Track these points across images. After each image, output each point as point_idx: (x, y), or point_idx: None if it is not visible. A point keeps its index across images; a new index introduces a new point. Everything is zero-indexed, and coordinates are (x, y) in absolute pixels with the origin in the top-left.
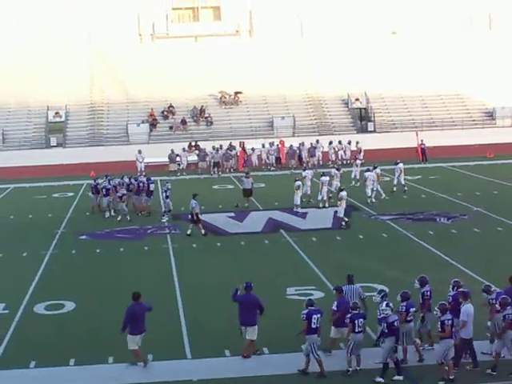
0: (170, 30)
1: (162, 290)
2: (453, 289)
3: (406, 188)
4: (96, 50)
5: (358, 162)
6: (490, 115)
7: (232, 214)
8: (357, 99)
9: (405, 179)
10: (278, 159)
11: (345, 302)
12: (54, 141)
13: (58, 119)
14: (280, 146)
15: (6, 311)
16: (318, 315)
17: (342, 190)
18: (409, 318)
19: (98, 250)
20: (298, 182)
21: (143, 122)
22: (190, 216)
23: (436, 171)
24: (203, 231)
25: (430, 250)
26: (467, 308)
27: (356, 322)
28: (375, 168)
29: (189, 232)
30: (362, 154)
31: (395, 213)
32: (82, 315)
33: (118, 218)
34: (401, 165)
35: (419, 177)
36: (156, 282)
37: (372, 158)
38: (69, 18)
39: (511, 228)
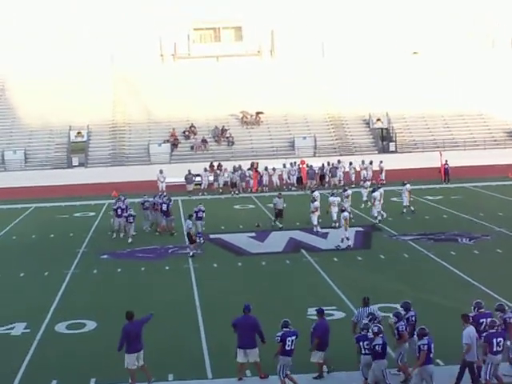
0: (192, 51)
1: (182, 310)
2: (474, 310)
3: (412, 208)
4: (118, 70)
5: (367, 183)
6: None
7: (253, 234)
8: (378, 119)
9: (411, 200)
10: (299, 179)
11: (323, 325)
12: (75, 161)
13: (79, 139)
14: (301, 166)
15: (28, 330)
16: (293, 337)
17: (343, 211)
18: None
19: (119, 270)
20: (316, 203)
21: (165, 142)
22: (186, 237)
23: (458, 191)
24: (192, 253)
25: (452, 271)
26: (469, 331)
27: (287, 340)
28: (379, 188)
29: (191, 253)
30: (383, 173)
31: (416, 233)
32: (103, 335)
33: (129, 241)
34: (408, 186)
35: (441, 197)
36: (177, 301)
37: (393, 178)
38: (92, 38)
39: None
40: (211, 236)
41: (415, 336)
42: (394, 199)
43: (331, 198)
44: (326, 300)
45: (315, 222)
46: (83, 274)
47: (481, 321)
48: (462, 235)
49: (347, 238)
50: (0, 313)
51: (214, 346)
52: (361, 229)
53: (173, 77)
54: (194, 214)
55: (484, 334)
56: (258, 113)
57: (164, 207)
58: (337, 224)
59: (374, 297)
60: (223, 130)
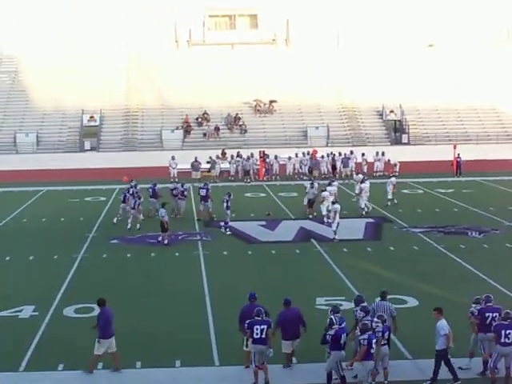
0: (207, 37)
1: (191, 296)
2: (482, 303)
3: (395, 201)
4: (132, 55)
5: (360, 176)
6: None
7: (263, 223)
8: (391, 111)
9: (394, 192)
10: (310, 169)
11: (287, 315)
12: (87, 145)
13: (92, 123)
14: (313, 155)
15: (36, 313)
16: (263, 326)
17: (334, 203)
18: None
19: (128, 255)
20: (325, 193)
21: (177, 129)
22: (161, 225)
23: (469, 185)
24: (166, 241)
25: (461, 264)
26: (443, 323)
27: (254, 328)
28: (367, 180)
29: (166, 242)
30: (397, 167)
31: (427, 225)
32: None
33: (137, 227)
34: (393, 179)
35: (452, 190)
36: (186, 288)
37: (406, 170)
38: (106, 23)
39: None
40: (221, 223)
41: (357, 330)
42: (406, 191)
43: (324, 193)
44: (335, 290)
45: (324, 212)
46: (93, 259)
47: (487, 315)
48: (472, 229)
49: (334, 232)
50: (9, 295)
51: (221, 334)
52: (371, 220)
53: (187, 63)
54: (225, 203)
55: (494, 324)
56: (271, 101)
57: (202, 192)
58: (326, 219)
59: (381, 288)
60: (236, 118)
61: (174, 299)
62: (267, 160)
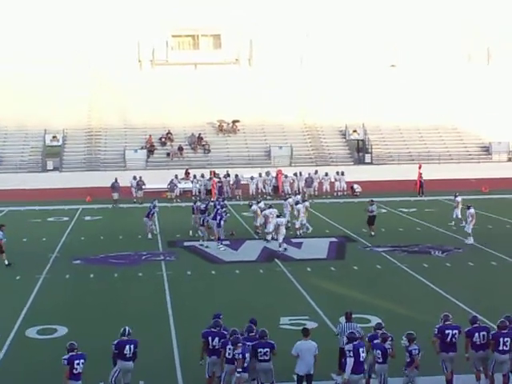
0: (170, 57)
1: (154, 317)
2: (440, 321)
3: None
4: (95, 74)
5: (293, 198)
6: (487, 150)
7: (227, 242)
8: (354, 130)
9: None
10: (275, 188)
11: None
12: (50, 164)
13: (55, 143)
14: (278, 175)
15: None
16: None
17: (278, 217)
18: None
19: (91, 275)
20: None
21: (141, 148)
22: None
23: (432, 204)
24: (7, 262)
25: (424, 283)
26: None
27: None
28: (304, 201)
29: (6, 262)
30: (356, 186)
31: (390, 245)
32: (74, 340)
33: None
34: (306, 203)
35: (415, 209)
36: (149, 308)
37: (369, 189)
38: (69, 42)
39: (505, 262)
40: (185, 243)
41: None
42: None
43: (268, 211)
44: (299, 310)
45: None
46: (55, 279)
47: (446, 332)
48: (435, 248)
49: (279, 245)
50: None
51: (185, 355)
52: (335, 239)
53: (150, 83)
54: (218, 219)
55: (492, 332)
56: (234, 121)
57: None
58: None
59: (345, 307)
60: (200, 138)
61: (137, 320)
62: (225, 179)
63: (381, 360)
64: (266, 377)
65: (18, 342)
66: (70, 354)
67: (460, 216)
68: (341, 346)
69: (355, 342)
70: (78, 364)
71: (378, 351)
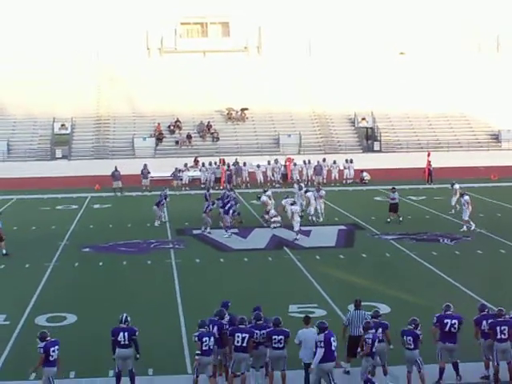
0: (179, 45)
1: (163, 305)
2: (442, 311)
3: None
4: (104, 62)
5: (301, 185)
6: (496, 138)
7: (236, 230)
8: (363, 118)
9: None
10: (284, 176)
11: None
12: (59, 153)
13: (63, 131)
14: (287, 163)
15: (7, 322)
16: (245, 335)
17: (292, 204)
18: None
19: (100, 263)
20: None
21: (150, 136)
22: None
23: (441, 192)
24: (4, 251)
25: (433, 271)
26: (303, 333)
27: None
28: (319, 190)
29: (4, 251)
30: (364, 173)
31: (399, 232)
32: (83, 328)
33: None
34: (456, 185)
35: (424, 197)
36: (158, 296)
37: (377, 177)
38: (77, 30)
39: None
40: (194, 231)
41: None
42: (378, 198)
43: (309, 194)
44: (308, 297)
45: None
46: (64, 267)
47: (445, 321)
48: (444, 236)
49: (296, 233)
50: None
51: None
52: (344, 227)
53: (159, 71)
54: (227, 207)
55: (490, 321)
56: (243, 109)
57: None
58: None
59: (354, 295)
60: (208, 126)
61: (146, 308)
62: (233, 168)
63: (412, 346)
64: (278, 364)
65: (28, 330)
66: (45, 342)
67: (453, 204)
68: (351, 334)
69: (326, 332)
70: (54, 351)
71: (410, 337)
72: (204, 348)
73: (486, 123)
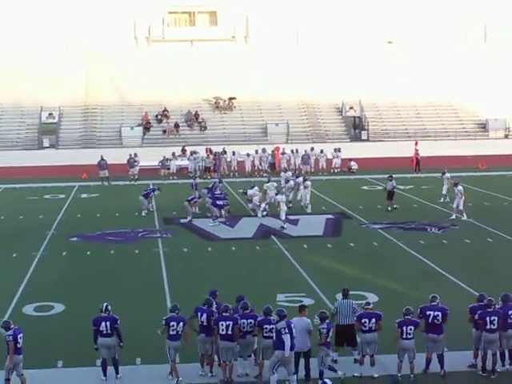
0: (166, 34)
1: (151, 294)
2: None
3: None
4: (92, 52)
5: (289, 173)
6: (483, 127)
7: (223, 220)
8: (351, 107)
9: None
10: (272, 165)
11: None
12: (46, 142)
13: (51, 120)
14: (276, 152)
15: None
16: (229, 322)
17: (277, 194)
18: (266, 334)
19: (88, 253)
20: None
21: (137, 126)
22: None
23: (428, 181)
24: None
25: (421, 260)
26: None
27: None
28: (305, 180)
29: None
30: (352, 163)
31: (387, 222)
32: (70, 317)
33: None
34: (448, 174)
35: (411, 186)
36: (146, 285)
37: (365, 166)
38: (65, 19)
39: (501, 239)
40: (182, 220)
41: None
42: (365, 187)
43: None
44: (295, 287)
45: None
46: (52, 257)
47: (428, 313)
48: (432, 225)
49: (283, 221)
50: None
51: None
52: (331, 216)
53: (146, 60)
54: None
55: (479, 312)
56: (230, 98)
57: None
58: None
59: (342, 284)
60: (196, 115)
61: (133, 297)
62: (222, 157)
63: (411, 336)
64: (269, 353)
65: (15, 320)
66: (12, 329)
67: (445, 192)
68: (339, 323)
69: (286, 319)
70: (21, 338)
71: (411, 327)
72: (171, 333)
73: (474, 112)
